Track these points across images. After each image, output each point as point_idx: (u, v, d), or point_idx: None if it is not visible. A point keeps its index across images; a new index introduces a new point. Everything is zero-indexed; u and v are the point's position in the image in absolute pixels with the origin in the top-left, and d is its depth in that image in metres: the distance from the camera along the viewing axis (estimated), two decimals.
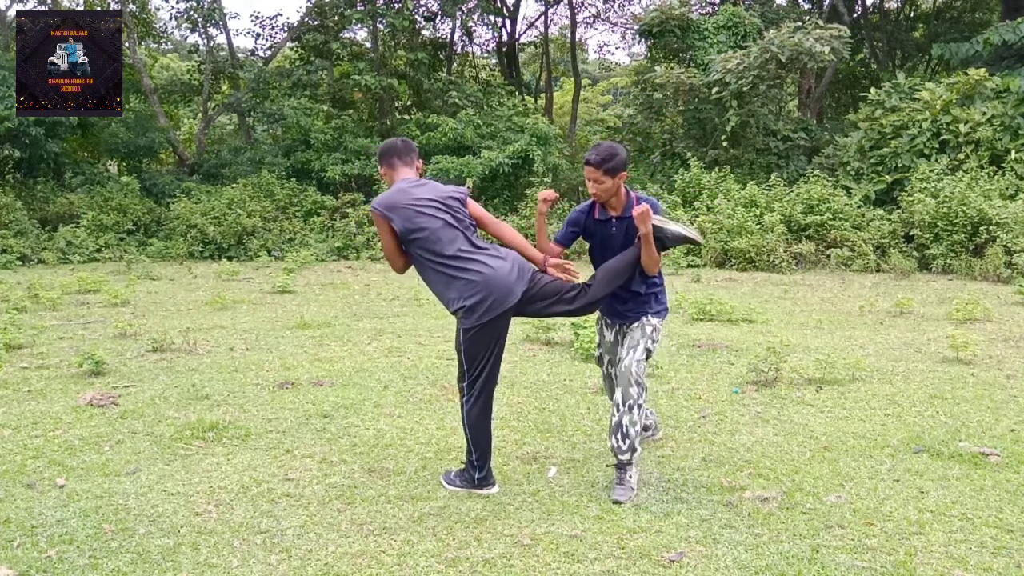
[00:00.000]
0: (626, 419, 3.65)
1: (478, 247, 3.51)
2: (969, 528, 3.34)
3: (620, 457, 3.68)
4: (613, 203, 3.69)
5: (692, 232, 3.63)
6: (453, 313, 3.51)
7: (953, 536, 3.27)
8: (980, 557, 3.09)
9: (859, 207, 13.15)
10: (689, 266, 12.43)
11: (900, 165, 13.74)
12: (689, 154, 15.61)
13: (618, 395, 3.69)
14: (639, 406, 3.66)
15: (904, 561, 3.05)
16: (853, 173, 14.31)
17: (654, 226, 3.52)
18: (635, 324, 3.77)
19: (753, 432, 4.58)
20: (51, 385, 5.54)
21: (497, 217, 15.03)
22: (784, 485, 3.79)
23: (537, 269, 3.66)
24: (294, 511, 3.50)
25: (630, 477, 3.70)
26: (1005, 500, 3.62)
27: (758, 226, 12.75)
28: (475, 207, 3.71)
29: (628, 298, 3.76)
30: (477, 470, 3.68)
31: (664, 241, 3.61)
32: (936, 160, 13.30)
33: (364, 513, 3.48)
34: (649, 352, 3.75)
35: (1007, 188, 12.38)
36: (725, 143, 15.58)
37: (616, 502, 3.58)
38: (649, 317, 3.76)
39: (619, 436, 3.67)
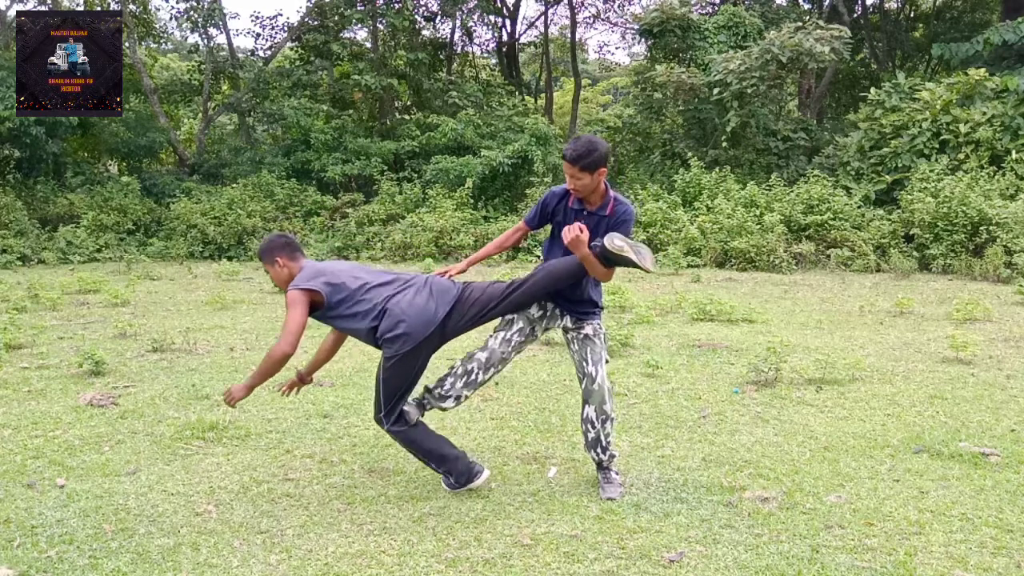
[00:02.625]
0: (602, 434, 3.66)
1: (389, 285, 3.54)
2: (969, 528, 3.34)
3: (602, 463, 3.74)
4: (591, 198, 3.60)
5: (644, 260, 3.45)
6: (378, 346, 3.53)
7: (953, 536, 3.27)
8: (980, 557, 3.09)
9: (859, 207, 13.14)
10: (689, 266, 12.43)
11: (900, 165, 13.73)
12: (689, 154, 15.61)
13: (591, 412, 3.64)
14: (612, 419, 3.68)
15: (904, 561, 3.05)
16: (853, 173, 14.31)
17: (606, 249, 3.40)
18: (587, 328, 3.69)
19: (753, 432, 4.59)
20: (51, 385, 5.54)
21: (496, 217, 15.04)
22: (784, 485, 3.79)
23: (465, 284, 3.65)
24: (294, 511, 3.50)
25: (615, 474, 3.75)
26: (1005, 500, 3.62)
27: (758, 226, 12.75)
28: None
29: (581, 300, 3.69)
30: (451, 476, 3.65)
31: (611, 261, 3.48)
32: (936, 160, 13.30)
33: (364, 513, 3.48)
34: (607, 361, 3.75)
35: (1007, 188, 12.38)
36: (725, 143, 15.58)
37: (610, 499, 3.60)
38: (600, 322, 3.74)
39: (599, 450, 3.69)
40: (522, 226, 3.91)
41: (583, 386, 3.68)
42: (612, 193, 3.63)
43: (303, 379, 3.85)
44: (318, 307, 3.49)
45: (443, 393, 3.70)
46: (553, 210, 3.72)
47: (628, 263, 3.44)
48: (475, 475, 3.66)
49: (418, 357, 3.50)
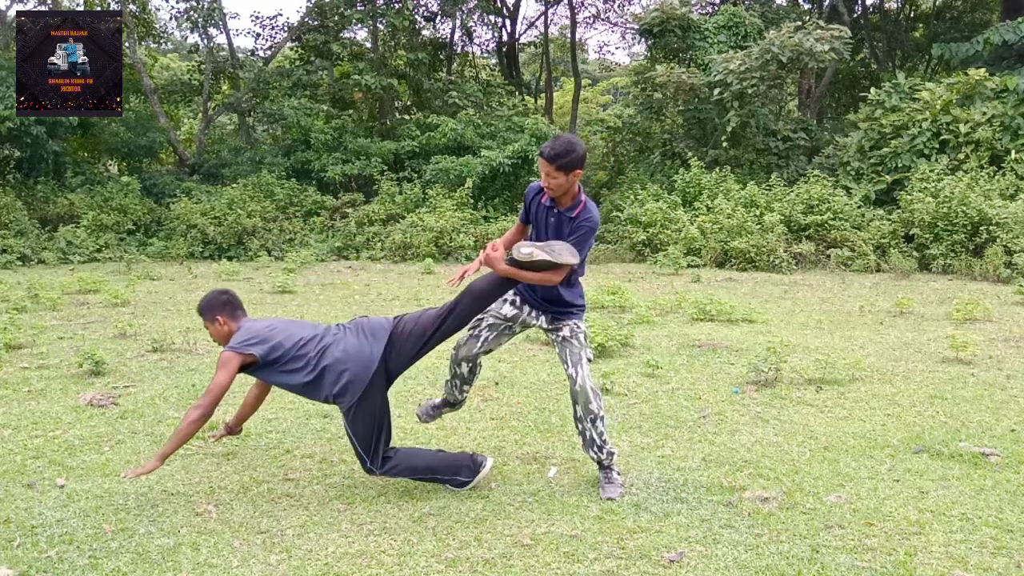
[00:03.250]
0: (594, 432, 3.68)
1: (322, 339, 3.57)
2: (969, 528, 3.34)
3: (602, 462, 3.74)
4: (563, 199, 3.61)
5: (560, 256, 3.46)
6: (324, 400, 3.56)
7: (953, 536, 3.27)
8: (980, 557, 3.09)
9: (859, 207, 13.14)
10: (689, 266, 12.43)
11: (900, 165, 13.73)
12: (689, 154, 15.61)
13: (579, 411, 3.67)
14: (601, 418, 3.68)
15: (904, 561, 3.05)
16: (853, 173, 14.31)
17: (516, 260, 3.45)
18: (564, 329, 3.72)
19: (753, 432, 4.59)
20: (51, 385, 5.54)
21: (496, 217, 15.04)
22: (784, 485, 3.79)
23: (397, 319, 3.67)
24: (294, 511, 3.50)
25: (617, 474, 3.76)
26: (1005, 500, 3.62)
27: (758, 226, 12.75)
28: None
29: (555, 300, 3.72)
30: (459, 475, 3.68)
31: (535, 266, 3.49)
32: (936, 160, 13.30)
33: (364, 513, 3.48)
34: (590, 360, 3.75)
35: (1007, 188, 12.37)
36: (725, 143, 15.58)
37: (610, 499, 3.60)
38: (578, 322, 3.75)
39: (595, 448, 3.71)
40: (519, 224, 3.95)
41: (569, 388, 3.71)
42: (583, 197, 3.64)
43: (232, 430, 3.94)
44: (250, 365, 3.52)
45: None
46: (530, 203, 3.76)
47: (549, 265, 3.45)
48: (480, 465, 3.69)
49: (374, 400, 3.51)
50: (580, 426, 3.71)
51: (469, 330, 3.82)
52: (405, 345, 3.57)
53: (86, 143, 18.22)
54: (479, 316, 3.79)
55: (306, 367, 3.49)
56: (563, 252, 3.46)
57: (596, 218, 3.63)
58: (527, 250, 3.43)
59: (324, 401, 3.55)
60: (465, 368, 3.88)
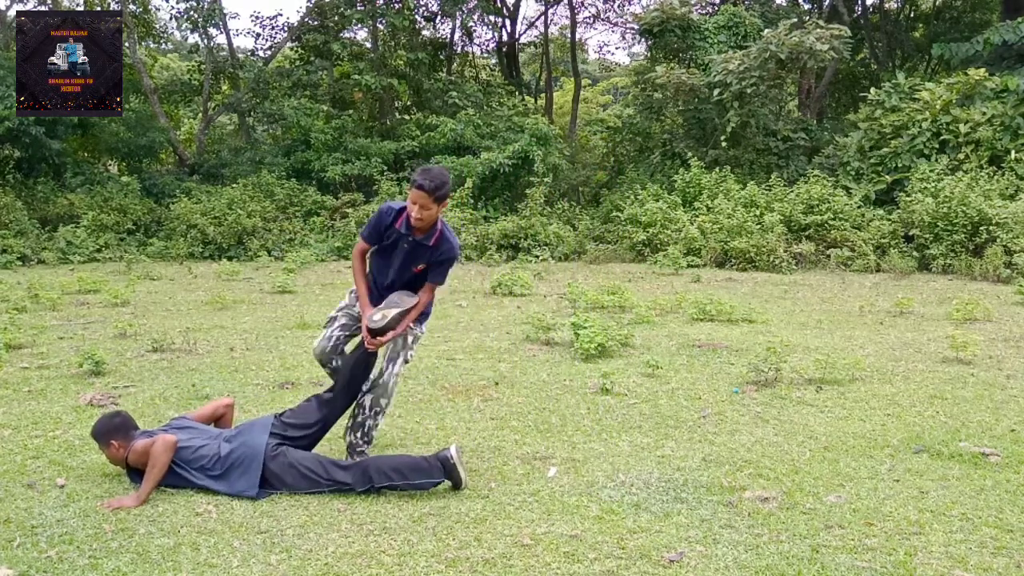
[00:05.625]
0: (371, 422, 3.89)
1: (219, 445, 3.72)
2: (969, 528, 3.34)
3: (358, 450, 3.93)
4: (424, 228, 3.74)
5: (403, 303, 3.77)
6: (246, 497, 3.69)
7: (953, 536, 3.27)
8: (980, 557, 3.09)
9: (859, 207, 13.15)
10: (689, 266, 12.43)
11: (900, 165, 13.73)
12: (689, 154, 15.61)
13: (368, 400, 3.84)
14: (385, 413, 3.90)
15: (904, 561, 3.05)
16: (853, 173, 14.31)
17: (376, 330, 3.69)
18: None
19: (753, 432, 4.59)
20: (51, 385, 5.54)
21: (497, 218, 15.04)
22: (784, 485, 3.79)
23: (279, 413, 3.91)
24: (294, 511, 3.50)
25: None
26: (1005, 500, 3.62)
27: (758, 226, 12.75)
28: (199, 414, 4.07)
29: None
30: (435, 478, 3.70)
31: (395, 319, 3.76)
32: (936, 160, 13.30)
33: (364, 513, 3.48)
34: (407, 361, 3.89)
35: (1007, 188, 12.38)
36: (725, 143, 15.58)
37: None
38: (412, 325, 3.87)
39: (360, 434, 3.91)
40: (364, 246, 4.00)
41: (373, 374, 3.88)
42: (440, 225, 3.76)
43: None
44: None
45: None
46: (383, 229, 3.83)
47: (400, 315, 3.74)
48: (448, 458, 3.66)
49: (281, 466, 3.66)
50: (361, 414, 3.86)
51: (324, 327, 4.01)
52: (297, 428, 3.79)
53: (86, 143, 18.22)
54: (332, 315, 4.03)
55: (207, 467, 3.67)
56: (403, 299, 3.79)
57: (455, 250, 3.81)
58: (378, 316, 3.73)
59: (237, 496, 3.66)
60: (328, 370, 4.04)
